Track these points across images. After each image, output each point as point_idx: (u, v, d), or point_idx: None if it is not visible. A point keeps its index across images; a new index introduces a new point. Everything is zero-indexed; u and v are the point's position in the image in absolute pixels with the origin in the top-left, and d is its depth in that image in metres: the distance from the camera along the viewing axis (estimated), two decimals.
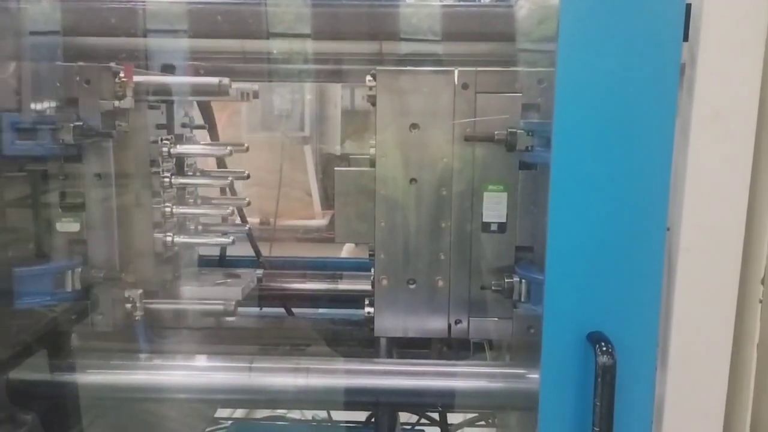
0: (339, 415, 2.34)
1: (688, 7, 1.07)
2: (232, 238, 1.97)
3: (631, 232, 1.11)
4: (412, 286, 1.70)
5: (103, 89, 1.64)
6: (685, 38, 1.08)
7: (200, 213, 2.06)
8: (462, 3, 1.55)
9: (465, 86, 1.63)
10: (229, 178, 2.01)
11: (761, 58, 1.06)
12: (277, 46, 1.54)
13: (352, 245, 3.15)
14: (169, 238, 1.82)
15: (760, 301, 1.13)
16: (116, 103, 1.65)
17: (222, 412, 2.41)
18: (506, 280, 1.63)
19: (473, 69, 1.62)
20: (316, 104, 7.14)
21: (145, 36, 1.38)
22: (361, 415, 2.06)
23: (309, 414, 2.54)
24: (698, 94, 1.08)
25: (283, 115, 6.87)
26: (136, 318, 1.73)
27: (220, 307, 1.82)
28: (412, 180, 1.67)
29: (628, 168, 1.10)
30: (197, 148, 1.97)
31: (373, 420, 1.90)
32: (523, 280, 1.61)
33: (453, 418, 2.06)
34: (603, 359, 1.08)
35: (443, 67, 1.62)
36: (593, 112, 1.10)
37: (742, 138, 1.08)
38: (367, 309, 1.73)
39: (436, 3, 1.46)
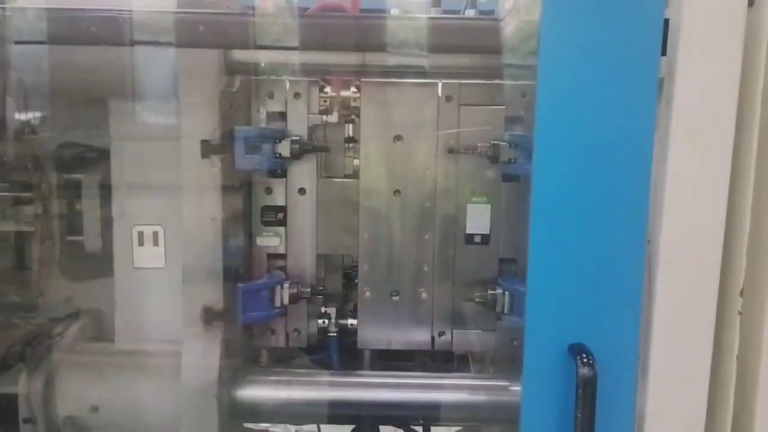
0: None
1: (666, 21, 1.08)
2: None
3: (612, 245, 1.12)
4: (395, 298, 1.70)
5: (312, 104, 1.65)
6: (663, 52, 1.09)
7: None
8: (447, 16, 1.55)
9: (449, 99, 1.65)
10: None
11: (738, 71, 1.07)
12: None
13: None
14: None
15: (739, 313, 1.14)
16: (324, 117, 1.66)
17: None
18: (490, 292, 1.64)
19: (457, 81, 1.64)
20: None
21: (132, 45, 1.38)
22: (345, 429, 2.03)
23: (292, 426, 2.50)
24: (676, 107, 1.09)
25: None
26: (332, 335, 1.71)
27: None
28: (396, 191, 1.67)
29: (607, 181, 1.11)
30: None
31: None
32: (507, 292, 1.61)
33: (437, 431, 2.05)
34: (584, 371, 1.08)
35: (427, 79, 1.62)
36: (573, 125, 1.11)
37: (721, 151, 1.09)
38: (350, 321, 1.73)
39: (421, 15, 1.46)
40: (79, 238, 1.70)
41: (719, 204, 1.11)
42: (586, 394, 1.08)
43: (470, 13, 1.73)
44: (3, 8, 1.37)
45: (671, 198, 1.11)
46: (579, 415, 1.08)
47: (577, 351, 1.10)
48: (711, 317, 1.14)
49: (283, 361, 1.82)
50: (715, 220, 1.11)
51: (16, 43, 1.44)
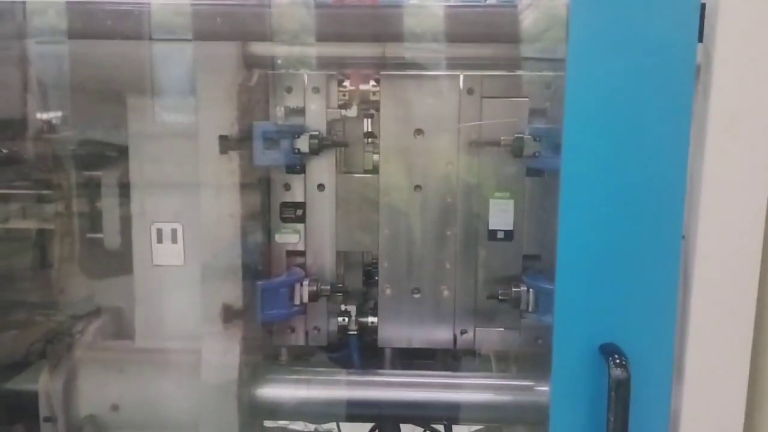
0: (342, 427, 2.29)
1: (703, 6, 1.03)
2: None
3: (645, 240, 1.08)
4: (416, 296, 1.67)
5: (330, 98, 1.64)
6: (700, 39, 1.04)
7: None
8: (467, 4, 1.52)
9: (471, 91, 1.61)
10: None
11: None
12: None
13: None
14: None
15: None
16: (343, 112, 1.64)
17: None
18: (513, 290, 1.60)
19: (479, 73, 1.60)
20: None
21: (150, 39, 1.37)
22: (364, 428, 2.01)
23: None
24: (714, 96, 1.04)
25: None
26: (352, 333, 1.69)
27: None
28: (417, 187, 1.63)
29: (641, 173, 1.07)
30: None
31: None
32: (531, 290, 1.57)
33: (458, 430, 2.02)
34: (617, 372, 1.04)
35: (448, 71, 1.59)
36: (605, 115, 1.06)
37: (761, 141, 1.04)
38: (370, 319, 1.70)
39: (440, 4, 1.42)
40: (99, 235, 1.69)
41: (759, 197, 1.06)
42: (619, 396, 1.04)
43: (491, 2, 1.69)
44: (23, 3, 1.36)
45: (708, 191, 1.06)
46: (611, 418, 1.05)
47: (609, 351, 1.06)
48: (750, 316, 1.09)
49: (301, 357, 1.80)
50: (755, 213, 1.06)
51: (37, 42, 1.43)
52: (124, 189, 1.64)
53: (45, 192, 1.71)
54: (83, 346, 1.66)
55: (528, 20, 1.39)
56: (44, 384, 1.58)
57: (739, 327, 1.09)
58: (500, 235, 1.64)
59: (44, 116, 1.66)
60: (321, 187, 1.66)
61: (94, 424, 1.59)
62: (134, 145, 1.61)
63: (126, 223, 1.65)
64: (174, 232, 1.61)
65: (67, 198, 1.69)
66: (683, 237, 1.08)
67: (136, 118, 1.60)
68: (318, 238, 1.68)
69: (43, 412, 1.58)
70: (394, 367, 1.74)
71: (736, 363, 1.10)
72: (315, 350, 1.78)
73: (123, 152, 1.64)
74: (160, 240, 1.62)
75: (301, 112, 1.64)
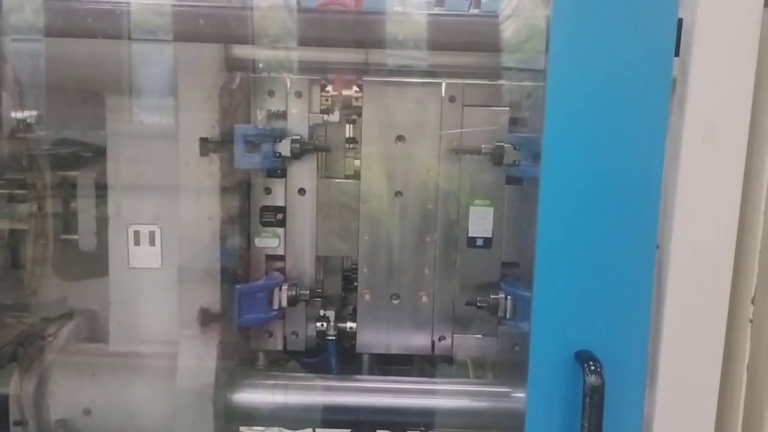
0: None
1: (680, 21, 1.06)
2: None
3: (621, 250, 1.09)
4: (395, 301, 1.67)
5: (313, 102, 1.63)
6: (677, 53, 1.07)
7: None
8: (448, 12, 1.53)
9: (452, 99, 1.62)
10: None
11: (753, 72, 1.05)
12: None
13: None
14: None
15: (750, 321, 1.12)
16: (325, 117, 1.63)
17: None
18: (491, 297, 1.61)
19: (461, 81, 1.61)
20: None
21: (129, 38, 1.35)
22: None
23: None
24: (690, 109, 1.07)
25: None
26: (331, 338, 1.68)
27: None
28: (398, 193, 1.64)
29: (617, 184, 1.08)
30: None
31: None
32: (509, 297, 1.59)
33: None
34: (591, 379, 1.05)
35: (431, 79, 1.60)
36: (583, 126, 1.08)
37: (734, 154, 1.07)
38: (349, 324, 1.70)
39: (422, 11, 1.43)
40: (74, 237, 1.67)
41: (732, 209, 1.09)
42: (594, 402, 1.05)
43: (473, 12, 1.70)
44: None
45: (682, 202, 1.08)
46: (586, 424, 1.06)
47: (585, 358, 1.08)
48: (721, 324, 1.12)
49: (277, 363, 1.79)
50: (727, 225, 1.09)
51: (13, 40, 1.41)
52: (101, 190, 1.62)
53: (18, 192, 1.67)
54: (55, 349, 1.63)
55: (509, 30, 1.41)
56: (15, 387, 1.55)
57: (711, 334, 1.12)
58: (479, 242, 1.65)
59: (19, 114, 1.63)
60: (302, 191, 1.66)
61: (66, 428, 1.56)
62: (112, 145, 1.59)
63: (102, 224, 1.62)
64: (152, 234, 1.59)
65: (41, 198, 1.65)
66: (657, 246, 1.10)
67: (114, 119, 1.58)
68: (298, 242, 1.67)
69: (13, 415, 1.54)
70: (372, 373, 1.74)
71: (708, 369, 1.12)
72: (291, 354, 1.77)
73: (100, 153, 1.62)
74: (137, 242, 1.59)
75: (283, 116, 1.63)
